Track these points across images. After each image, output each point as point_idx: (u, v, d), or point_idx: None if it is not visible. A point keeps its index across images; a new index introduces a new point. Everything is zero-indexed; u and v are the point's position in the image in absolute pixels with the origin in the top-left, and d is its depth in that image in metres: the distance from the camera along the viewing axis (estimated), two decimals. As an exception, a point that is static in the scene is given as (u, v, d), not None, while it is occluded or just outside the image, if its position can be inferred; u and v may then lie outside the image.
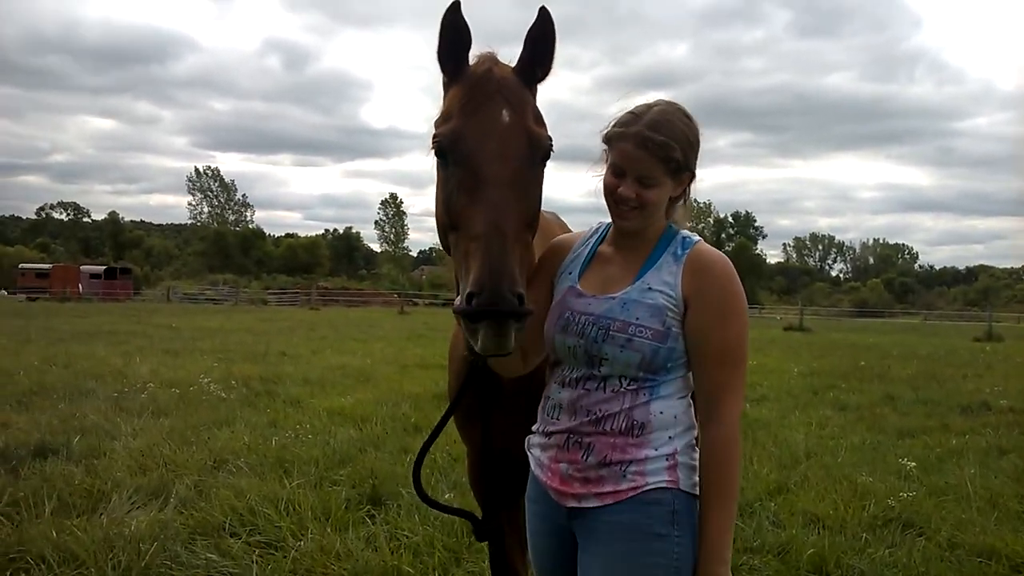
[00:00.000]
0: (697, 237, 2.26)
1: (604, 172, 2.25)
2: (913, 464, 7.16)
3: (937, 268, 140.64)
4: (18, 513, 5.23)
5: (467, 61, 2.33)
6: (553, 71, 2.35)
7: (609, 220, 2.32)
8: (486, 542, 2.61)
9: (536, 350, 2.39)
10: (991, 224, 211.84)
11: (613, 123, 2.22)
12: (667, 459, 2.14)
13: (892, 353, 20.69)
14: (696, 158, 2.23)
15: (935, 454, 8.00)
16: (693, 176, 2.25)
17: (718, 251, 2.23)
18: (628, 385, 2.16)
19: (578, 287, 2.29)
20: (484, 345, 1.94)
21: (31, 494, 5.52)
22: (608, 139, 2.22)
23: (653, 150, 2.12)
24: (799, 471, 6.97)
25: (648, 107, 2.20)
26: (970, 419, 10.25)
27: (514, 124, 2.20)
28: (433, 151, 2.27)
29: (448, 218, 2.21)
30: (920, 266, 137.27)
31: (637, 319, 2.13)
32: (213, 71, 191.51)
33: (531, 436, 2.41)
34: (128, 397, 9.89)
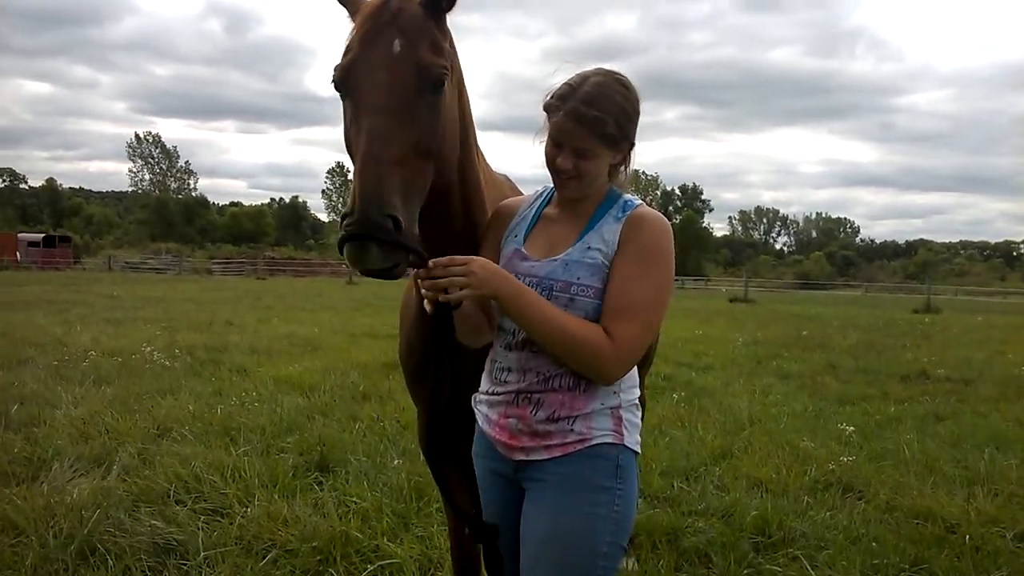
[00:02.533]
0: (639, 201, 2.31)
1: (545, 141, 2.27)
2: (853, 430, 7.33)
3: (878, 242, 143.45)
4: (-46, 482, 5.11)
5: None
6: (458, 4, 2.32)
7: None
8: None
9: (495, 316, 2.40)
10: (930, 199, 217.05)
11: (550, 95, 2.24)
12: (612, 412, 2.22)
13: (833, 324, 21.10)
14: (635, 127, 2.26)
15: (874, 421, 8.19)
16: (632, 145, 2.28)
17: (659, 213, 2.29)
18: None
19: (523, 250, 2.34)
20: (350, 261, 2.00)
21: (-33, 462, 5.40)
22: (546, 110, 2.24)
23: (587, 124, 2.15)
24: (743, 437, 7.09)
25: (584, 78, 2.21)
26: (908, 387, 10.50)
27: (403, 54, 2.18)
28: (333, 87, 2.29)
29: (347, 151, 2.23)
30: (861, 240, 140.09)
31: (578, 279, 2.19)
32: (152, 34, 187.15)
33: (477, 394, 2.45)
34: (69, 366, 9.68)
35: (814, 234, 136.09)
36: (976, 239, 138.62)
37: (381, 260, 1.99)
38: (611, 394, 2.23)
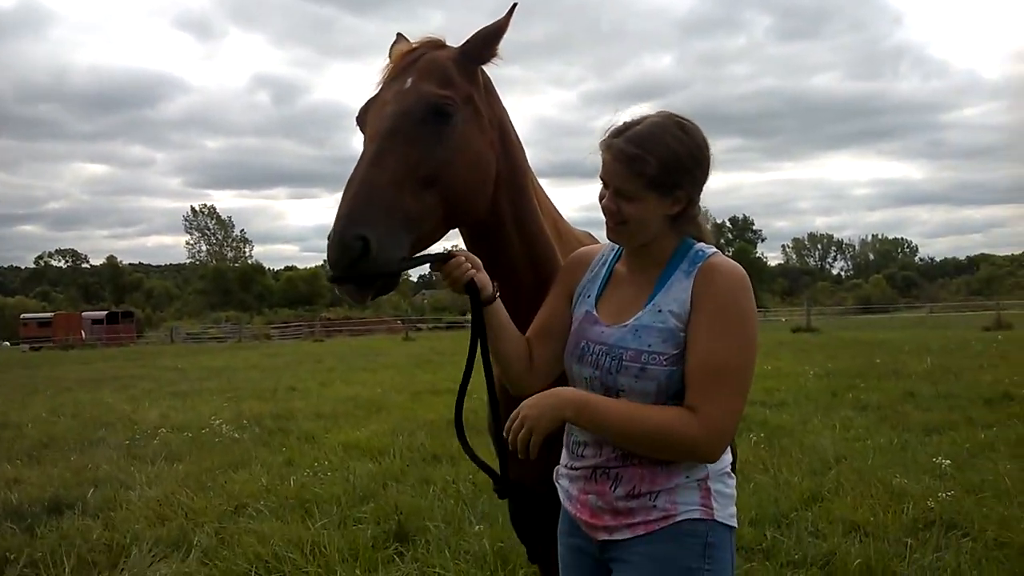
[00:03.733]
0: (712, 249, 2.13)
1: None
2: (948, 462, 6.99)
3: (938, 260, 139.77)
4: (37, 574, 5.09)
5: None
6: (497, 55, 2.41)
7: None
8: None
9: (546, 366, 2.30)
10: (987, 212, 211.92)
11: (606, 131, 2.13)
12: (699, 485, 2.05)
13: (904, 348, 20.49)
14: (693, 176, 2.09)
15: (965, 450, 7.84)
16: (689, 196, 2.10)
17: (733, 262, 2.09)
18: None
19: (594, 313, 2.20)
20: (339, 290, 2.09)
21: (49, 553, 5.37)
22: (600, 148, 2.13)
23: (626, 163, 2.02)
24: (831, 477, 6.80)
25: (643, 119, 2.10)
26: (994, 411, 10.07)
27: (411, 88, 2.24)
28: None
29: None
30: (920, 259, 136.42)
31: (649, 346, 2.04)
32: (204, 110, 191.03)
33: (558, 468, 2.32)
34: (139, 444, 9.73)
35: (871, 257, 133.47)
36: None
37: (359, 296, 2.08)
38: (697, 465, 2.05)
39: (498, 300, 2.25)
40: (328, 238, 2.02)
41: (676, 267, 2.10)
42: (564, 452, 2.29)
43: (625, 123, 2.11)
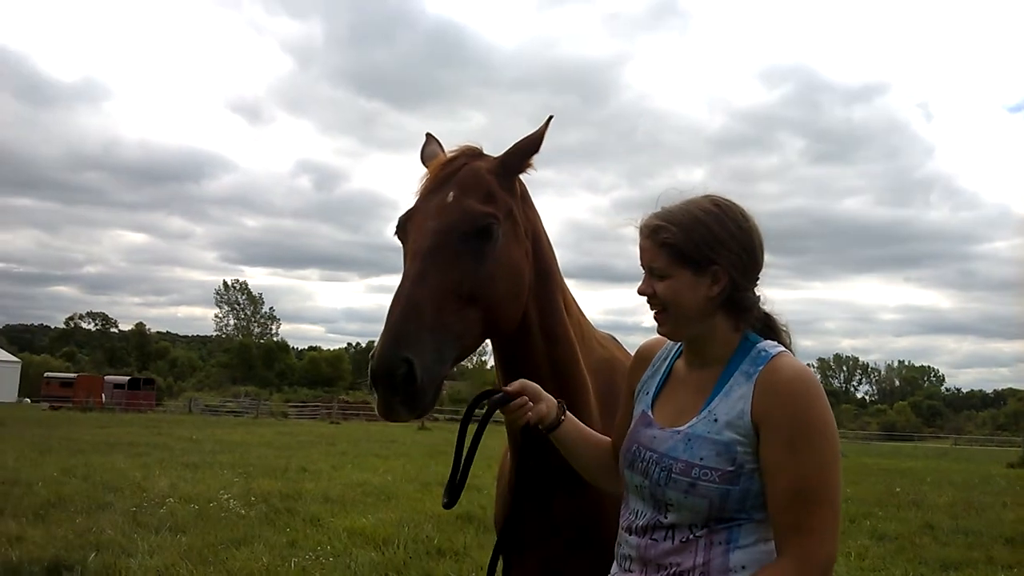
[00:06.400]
0: (778, 348, 1.94)
1: None
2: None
3: (964, 391, 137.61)
4: (28, 636, 5.03)
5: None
6: (533, 166, 2.47)
7: None
8: None
9: (610, 469, 2.21)
10: (1016, 347, 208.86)
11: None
12: None
13: (926, 479, 20.07)
14: (727, 248, 1.93)
15: (983, 589, 7.62)
16: (728, 273, 1.93)
17: (799, 365, 1.89)
18: (698, 532, 1.87)
19: (649, 414, 2.06)
20: (377, 410, 2.05)
21: (43, 616, 5.32)
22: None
23: (650, 236, 1.96)
24: (842, 607, 6.62)
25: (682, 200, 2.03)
26: (1016, 551, 9.78)
27: (453, 203, 2.25)
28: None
29: None
30: (947, 389, 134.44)
31: (701, 459, 1.85)
32: (247, 190, 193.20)
33: None
34: (146, 511, 9.69)
35: (897, 383, 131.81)
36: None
37: (407, 414, 2.05)
38: None
39: (567, 416, 2.21)
40: (370, 357, 2.04)
41: (736, 367, 1.93)
42: (615, 561, 2.09)
43: (663, 206, 2.03)
